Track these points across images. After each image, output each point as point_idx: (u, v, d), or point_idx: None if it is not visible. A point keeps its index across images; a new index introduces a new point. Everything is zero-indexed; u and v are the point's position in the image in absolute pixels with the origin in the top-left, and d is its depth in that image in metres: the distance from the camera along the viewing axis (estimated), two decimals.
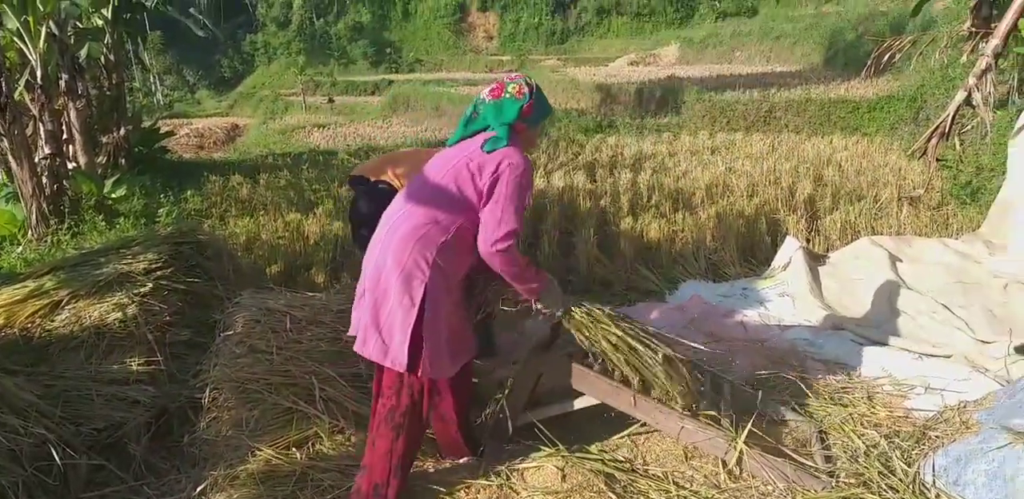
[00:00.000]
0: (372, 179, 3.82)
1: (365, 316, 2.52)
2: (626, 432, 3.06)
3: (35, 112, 6.52)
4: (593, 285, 5.16)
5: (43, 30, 6.50)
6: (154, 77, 37.07)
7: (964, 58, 6.34)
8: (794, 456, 2.89)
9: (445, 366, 2.55)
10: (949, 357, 3.76)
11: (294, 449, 2.91)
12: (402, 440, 2.52)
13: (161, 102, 34.22)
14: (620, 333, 2.80)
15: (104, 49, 8.82)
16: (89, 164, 7.81)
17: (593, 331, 2.79)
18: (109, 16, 8.77)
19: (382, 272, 2.47)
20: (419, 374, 2.46)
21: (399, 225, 2.50)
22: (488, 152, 2.47)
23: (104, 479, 3.04)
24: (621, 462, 2.95)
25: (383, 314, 2.47)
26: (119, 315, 3.51)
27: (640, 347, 2.80)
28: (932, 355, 3.81)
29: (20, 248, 5.82)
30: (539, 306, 2.73)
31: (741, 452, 2.78)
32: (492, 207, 2.45)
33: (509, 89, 2.54)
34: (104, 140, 8.84)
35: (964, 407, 3.21)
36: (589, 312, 2.82)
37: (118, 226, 6.04)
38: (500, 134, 2.50)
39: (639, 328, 2.92)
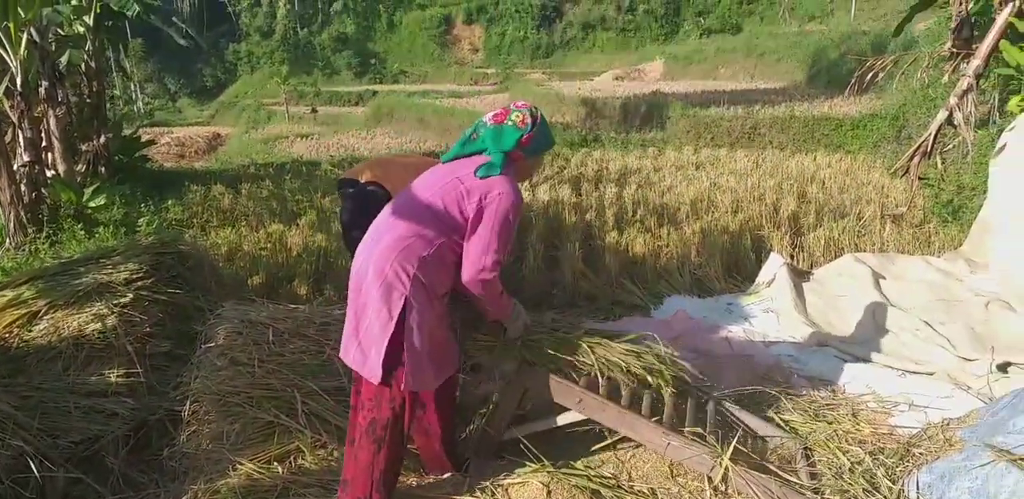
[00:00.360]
0: (361, 180, 3.83)
1: (348, 325, 2.52)
2: (605, 445, 3.03)
3: (14, 119, 6.43)
4: (578, 299, 5.15)
5: (24, 37, 6.43)
6: (135, 85, 36.86)
7: (945, 78, 6.43)
8: (779, 473, 2.89)
9: (427, 379, 2.53)
10: (932, 374, 3.78)
11: (276, 463, 2.86)
12: (384, 453, 2.49)
13: (142, 110, 34.00)
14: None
15: (85, 56, 8.75)
16: (68, 172, 7.71)
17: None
18: (91, 23, 8.70)
19: (363, 282, 2.46)
20: (401, 387, 2.44)
21: (382, 235, 2.49)
22: (481, 178, 2.46)
23: (81, 493, 2.98)
24: (607, 478, 2.92)
25: (363, 325, 2.46)
26: (98, 326, 3.46)
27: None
28: (915, 372, 3.83)
29: None
30: (505, 332, 2.78)
31: (727, 469, 2.76)
32: (479, 236, 2.43)
33: (512, 117, 2.54)
34: (84, 148, 8.74)
35: (947, 424, 3.23)
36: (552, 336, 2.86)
37: (97, 235, 5.95)
38: (495, 161, 2.48)
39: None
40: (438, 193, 2.48)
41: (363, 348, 2.46)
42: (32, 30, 6.79)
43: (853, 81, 6.68)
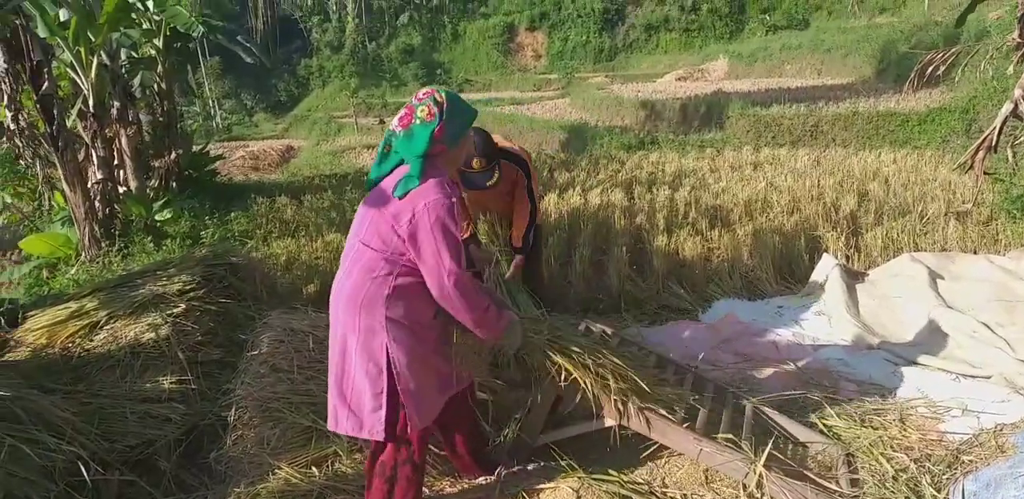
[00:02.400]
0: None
1: (331, 385, 2.45)
2: (639, 450, 3.01)
3: (88, 139, 6.80)
4: (625, 303, 5.12)
5: (95, 60, 6.79)
6: (213, 101, 38.28)
7: (1011, 69, 6.15)
8: (818, 480, 2.83)
9: (434, 409, 2.50)
10: (988, 378, 3.64)
11: (313, 467, 2.95)
12: (398, 489, 2.50)
13: (220, 125, 35.30)
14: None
15: (157, 77, 9.17)
16: (140, 188, 8.10)
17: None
18: (161, 46, 9.13)
19: (339, 336, 2.42)
20: (407, 430, 2.41)
21: (343, 285, 2.42)
22: (400, 197, 2.29)
23: (135, 494, 3.11)
24: (639, 484, 2.92)
25: (347, 385, 2.40)
26: (153, 335, 3.63)
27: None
28: (970, 376, 3.69)
29: (74, 270, 6.05)
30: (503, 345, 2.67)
31: (761, 475, 2.72)
32: (426, 254, 2.28)
33: (418, 113, 2.34)
34: (156, 164, 9.16)
35: (1001, 430, 3.10)
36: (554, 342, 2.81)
37: (165, 247, 6.23)
38: (412, 170, 2.31)
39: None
40: (372, 227, 2.36)
41: (354, 410, 2.39)
42: (103, 54, 7.16)
43: (913, 75, 6.45)
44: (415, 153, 2.32)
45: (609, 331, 3.59)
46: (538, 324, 2.92)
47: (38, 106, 6.13)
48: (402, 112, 2.40)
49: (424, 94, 2.39)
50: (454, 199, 2.33)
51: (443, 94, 2.38)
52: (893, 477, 2.88)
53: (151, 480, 3.16)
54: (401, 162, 2.39)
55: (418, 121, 2.33)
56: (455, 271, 2.28)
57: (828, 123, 12.01)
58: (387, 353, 2.33)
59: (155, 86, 9.43)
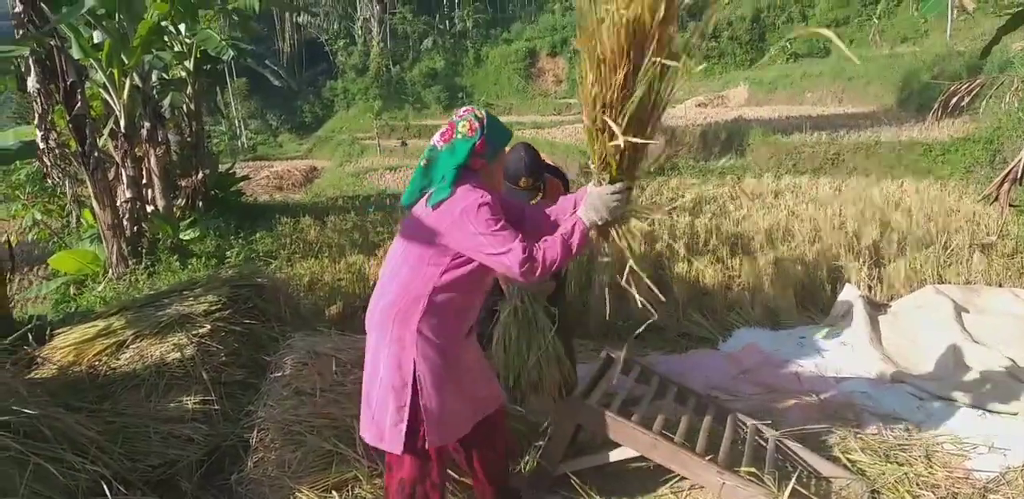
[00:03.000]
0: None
1: (363, 395, 2.51)
2: (662, 482, 2.99)
3: (118, 159, 6.94)
4: (645, 331, 5.10)
5: (127, 82, 6.95)
6: (239, 121, 38.86)
7: None
8: None
9: (455, 430, 2.51)
10: (1015, 415, 3.58)
11: (333, 492, 2.95)
12: None
13: (245, 145, 35.80)
14: None
15: (186, 98, 9.36)
16: (167, 207, 8.23)
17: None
18: (191, 68, 9.32)
19: (372, 347, 2.47)
20: (424, 446, 2.42)
21: (378, 301, 2.47)
22: (434, 207, 2.34)
23: None
24: None
25: (373, 395, 2.45)
26: (178, 355, 3.67)
27: None
28: (998, 412, 3.63)
29: (101, 287, 6.14)
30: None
31: None
32: (486, 255, 2.29)
33: (459, 128, 2.40)
34: (183, 184, 9.31)
35: None
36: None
37: (190, 266, 6.31)
38: (446, 180, 2.36)
39: None
40: (410, 244, 2.42)
41: (376, 420, 2.44)
42: (135, 75, 7.32)
43: (937, 106, 6.45)
44: (454, 164, 2.38)
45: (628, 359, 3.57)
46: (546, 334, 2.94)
47: (70, 125, 6.26)
48: (443, 128, 2.47)
49: (465, 111, 2.47)
50: (489, 197, 2.34)
51: (482, 111, 2.47)
52: None
53: None
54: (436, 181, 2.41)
55: (460, 136, 2.40)
56: (515, 255, 2.23)
57: (850, 152, 11.99)
58: (414, 368, 2.37)
59: (184, 107, 9.62)
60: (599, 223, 2.36)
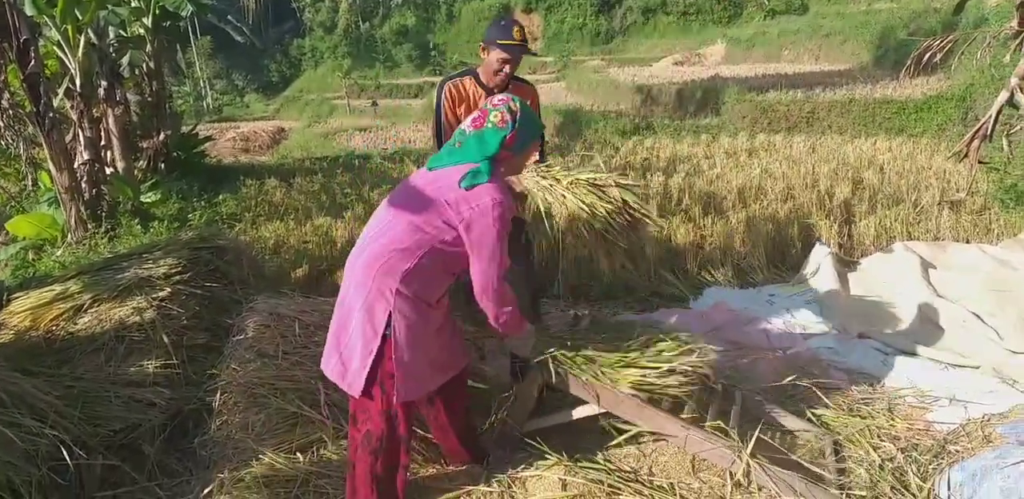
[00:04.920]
0: None
1: (330, 337, 2.51)
2: (628, 438, 3.00)
3: (75, 119, 6.71)
4: (617, 290, 5.09)
5: (82, 39, 6.68)
6: (204, 82, 37.97)
7: (1007, 58, 6.10)
8: (804, 468, 2.82)
9: (423, 385, 2.52)
10: (977, 368, 3.64)
11: (298, 453, 2.93)
12: (382, 462, 2.49)
13: (210, 106, 35.05)
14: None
15: (145, 57, 9.05)
16: (127, 169, 8.01)
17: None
18: (149, 24, 9.00)
19: (346, 297, 2.45)
20: (393, 399, 2.42)
21: (365, 248, 2.46)
22: (467, 188, 2.36)
23: (119, 479, 3.08)
24: (626, 472, 2.90)
25: (344, 336, 2.45)
26: (138, 319, 3.59)
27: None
28: (960, 366, 3.69)
29: (59, 251, 5.99)
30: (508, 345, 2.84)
31: (748, 463, 2.71)
32: (484, 254, 2.38)
33: (491, 118, 2.44)
34: (144, 145, 9.06)
35: (988, 420, 3.10)
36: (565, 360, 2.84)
37: (152, 230, 6.17)
38: (482, 168, 2.39)
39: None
40: (419, 204, 2.41)
41: (343, 360, 2.45)
42: (91, 32, 7.04)
43: (909, 63, 6.40)
44: (485, 155, 2.41)
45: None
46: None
47: (24, 85, 6.02)
48: (475, 114, 2.50)
49: (500, 101, 2.49)
50: (513, 205, 2.44)
51: (517, 103, 2.49)
52: (880, 466, 2.88)
53: (135, 465, 3.13)
54: (468, 161, 2.44)
55: (490, 125, 2.43)
56: (499, 273, 2.42)
57: (824, 109, 11.96)
58: (389, 320, 2.37)
59: (144, 66, 9.32)
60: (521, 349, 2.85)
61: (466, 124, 2.49)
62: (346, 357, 2.45)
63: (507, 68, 3.24)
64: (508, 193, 2.44)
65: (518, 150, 2.50)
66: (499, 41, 3.14)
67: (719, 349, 4.07)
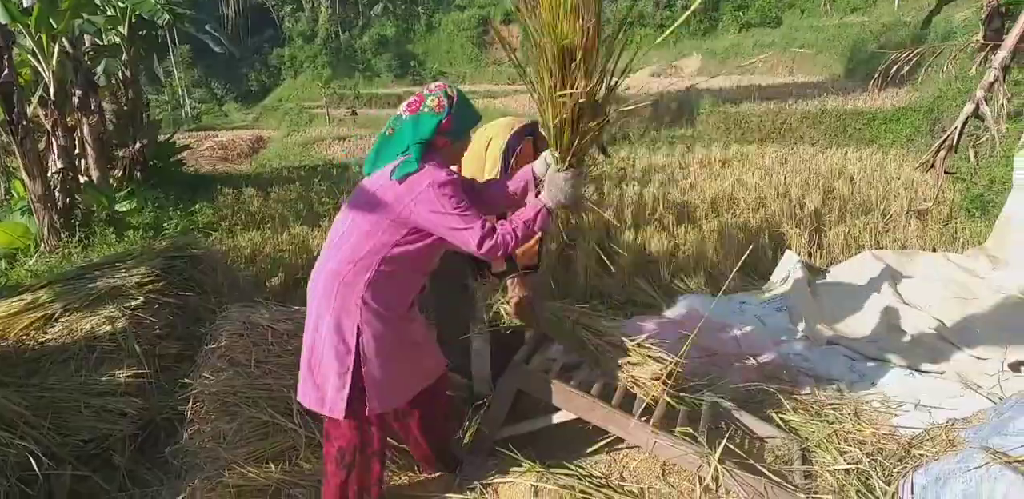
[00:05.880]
0: None
1: (302, 360, 2.48)
2: (600, 445, 3.03)
3: (48, 127, 6.67)
4: (591, 298, 5.14)
5: (57, 47, 6.66)
6: (182, 90, 37.69)
7: (973, 70, 6.25)
8: (772, 473, 2.86)
9: (396, 397, 2.51)
10: (943, 374, 3.70)
11: (270, 463, 2.92)
12: (356, 476, 2.49)
13: (189, 114, 34.79)
14: None
15: (121, 65, 9.00)
16: (102, 178, 7.96)
17: None
18: (125, 33, 8.97)
19: (313, 315, 2.43)
20: (365, 412, 2.41)
21: (324, 264, 2.43)
22: (400, 180, 2.32)
23: (89, 490, 3.06)
24: (597, 478, 2.93)
25: (315, 359, 2.43)
26: (109, 328, 3.58)
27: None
28: (925, 372, 3.75)
29: (32, 260, 5.94)
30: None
31: (716, 468, 2.75)
32: (445, 231, 2.33)
33: (428, 102, 2.38)
34: (120, 154, 9.01)
35: (952, 425, 3.16)
36: None
37: (127, 239, 6.14)
38: (413, 155, 2.34)
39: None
40: (362, 212, 2.39)
41: (318, 385, 2.42)
42: (65, 41, 7.01)
43: (877, 75, 6.54)
44: (419, 138, 2.35)
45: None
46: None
47: None
48: (411, 99, 2.44)
49: (436, 86, 2.44)
50: (455, 176, 2.37)
51: (454, 89, 2.44)
52: (846, 471, 2.92)
53: (105, 475, 3.12)
54: (404, 150, 2.38)
55: (427, 109, 2.37)
56: (476, 232, 2.30)
57: (797, 120, 12.15)
58: (357, 334, 2.35)
59: (119, 74, 9.27)
60: (562, 206, 2.43)
61: (402, 108, 2.44)
62: (320, 381, 2.42)
63: None
64: (445, 168, 2.38)
65: (454, 137, 2.44)
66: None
67: (691, 356, 4.17)
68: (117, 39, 9.20)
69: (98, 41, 9.04)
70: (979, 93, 5.85)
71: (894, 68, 6.56)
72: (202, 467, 2.94)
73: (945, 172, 6.23)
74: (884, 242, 5.64)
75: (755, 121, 12.51)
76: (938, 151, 6.20)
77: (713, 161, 9.88)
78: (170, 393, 3.51)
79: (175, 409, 3.36)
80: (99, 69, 8.63)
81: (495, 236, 2.33)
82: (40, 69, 6.69)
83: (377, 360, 2.38)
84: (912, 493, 2.73)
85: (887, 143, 10.87)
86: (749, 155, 10.22)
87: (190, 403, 3.15)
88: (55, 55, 6.67)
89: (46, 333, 3.62)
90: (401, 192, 2.32)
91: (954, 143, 6.10)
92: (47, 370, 3.45)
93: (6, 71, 5.93)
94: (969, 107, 5.94)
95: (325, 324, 2.38)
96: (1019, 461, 2.57)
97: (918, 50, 6.58)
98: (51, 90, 6.68)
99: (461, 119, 2.42)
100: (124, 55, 9.12)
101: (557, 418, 3.01)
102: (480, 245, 2.30)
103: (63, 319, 3.68)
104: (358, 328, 2.35)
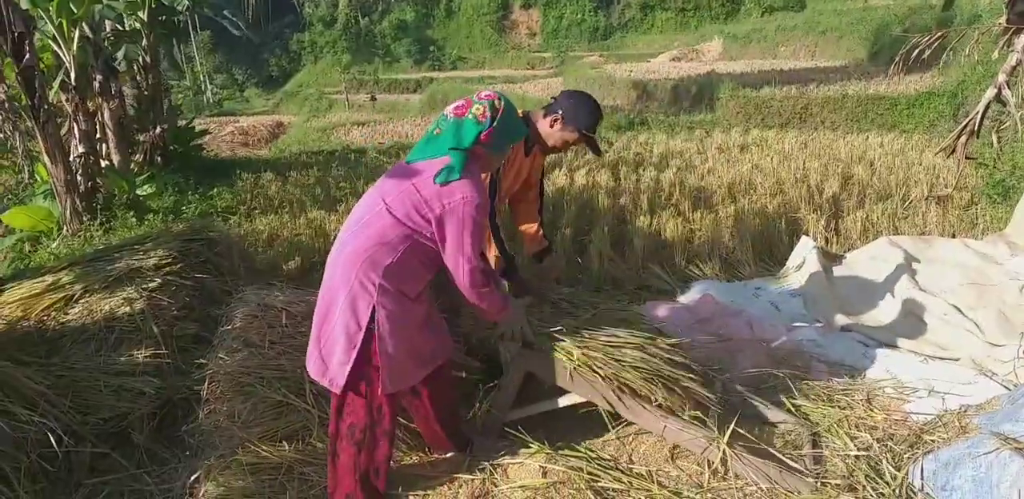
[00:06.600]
0: None
1: (313, 332, 2.52)
2: (609, 428, 3.05)
3: (69, 112, 6.74)
4: (604, 284, 5.14)
5: (77, 32, 6.71)
6: (204, 76, 37.88)
7: (995, 54, 6.13)
8: (782, 457, 2.87)
9: (408, 377, 2.55)
10: (957, 360, 3.68)
11: (284, 441, 2.98)
12: (365, 454, 2.53)
13: (211, 100, 34.99)
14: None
15: (141, 51, 9.06)
16: (123, 162, 8.04)
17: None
18: (145, 18, 9.01)
19: (328, 291, 2.46)
20: (378, 391, 2.45)
21: (349, 241, 2.46)
22: (440, 184, 2.36)
23: (108, 467, 3.14)
24: (605, 460, 2.95)
25: (324, 331, 2.46)
26: (128, 309, 3.64)
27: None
28: (939, 358, 3.73)
29: (55, 243, 6.03)
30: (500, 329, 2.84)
31: (724, 452, 2.76)
32: (452, 246, 2.40)
33: (473, 110, 2.42)
34: (140, 139, 9.09)
35: (965, 411, 3.16)
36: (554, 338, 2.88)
37: (147, 222, 6.21)
38: (454, 163, 2.37)
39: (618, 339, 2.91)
40: (397, 199, 2.41)
41: (323, 356, 2.46)
42: (85, 26, 7.07)
43: (898, 59, 6.44)
44: (460, 145, 2.40)
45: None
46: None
47: (19, 78, 6.05)
48: (460, 102, 2.48)
49: (486, 96, 2.47)
50: (487, 202, 2.45)
51: (503, 102, 2.47)
52: (856, 456, 2.92)
53: (124, 453, 3.19)
54: (445, 153, 2.43)
55: (471, 117, 2.42)
56: (473, 262, 2.42)
57: (818, 105, 12.01)
58: (372, 314, 2.39)
59: (140, 59, 9.33)
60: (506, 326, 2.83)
61: (448, 110, 2.47)
62: (326, 353, 2.46)
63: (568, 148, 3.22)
64: (484, 190, 2.45)
65: (493, 149, 2.49)
66: (586, 131, 3.04)
67: (704, 340, 4.18)
68: (137, 24, 9.23)
69: (118, 26, 9.09)
70: (1001, 77, 5.76)
71: (915, 52, 6.47)
72: (217, 446, 3.00)
73: (967, 157, 6.17)
74: (903, 228, 5.59)
75: (775, 106, 12.38)
76: (959, 136, 6.14)
77: (732, 146, 9.80)
78: (187, 373, 3.57)
79: (192, 389, 3.42)
80: (119, 54, 8.70)
81: (485, 282, 2.49)
82: (61, 54, 6.76)
83: (391, 340, 2.42)
84: (922, 478, 2.74)
85: (909, 128, 10.72)
86: (768, 140, 10.13)
87: (206, 383, 3.20)
88: (76, 40, 6.72)
89: (66, 314, 3.69)
90: (439, 193, 2.37)
91: (975, 128, 6.03)
92: (67, 350, 3.51)
93: (28, 56, 5.99)
94: (991, 92, 5.86)
95: (341, 299, 2.41)
96: None
97: (940, 34, 6.48)
98: (72, 75, 6.75)
99: (502, 134, 2.46)
100: (144, 40, 9.16)
101: (565, 401, 3.03)
102: (471, 279, 2.44)
103: (83, 300, 3.74)
104: (373, 308, 2.38)
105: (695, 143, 10.34)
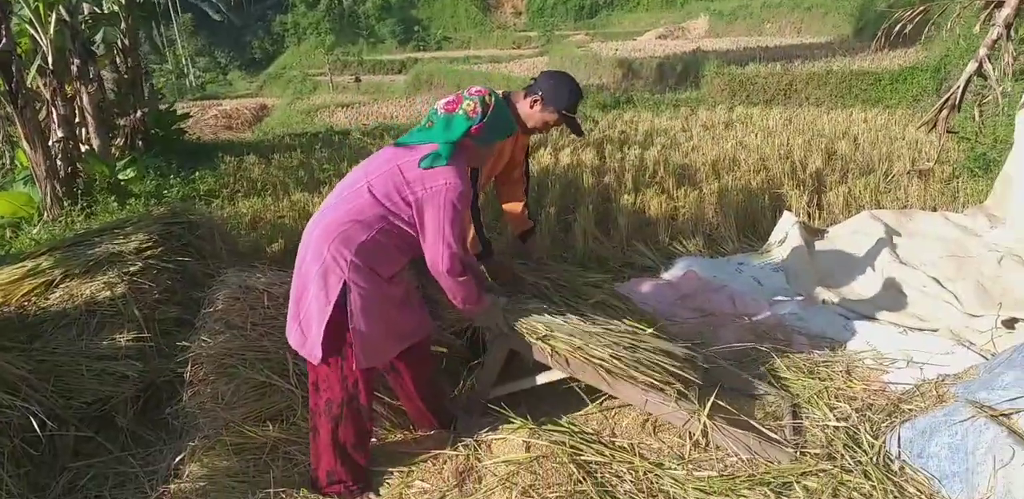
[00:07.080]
0: None
1: (291, 304, 2.54)
2: (592, 403, 3.07)
3: (47, 96, 6.67)
4: (589, 261, 5.16)
5: (54, 16, 6.62)
6: (186, 59, 37.45)
7: (977, 28, 6.13)
8: (761, 428, 2.90)
9: (383, 353, 2.57)
10: (936, 331, 3.73)
11: (268, 422, 2.99)
12: (343, 428, 2.55)
13: (194, 84, 34.63)
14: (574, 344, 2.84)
15: (119, 34, 8.94)
16: (103, 147, 7.97)
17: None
18: (123, 1, 8.89)
19: (304, 261, 2.48)
20: (352, 366, 2.48)
21: (325, 215, 2.48)
22: (425, 168, 2.40)
23: (92, 450, 3.13)
24: (588, 434, 2.98)
25: (302, 304, 2.48)
26: (109, 293, 3.62)
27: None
28: (918, 329, 3.78)
29: (36, 229, 5.99)
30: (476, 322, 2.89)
31: (705, 424, 2.79)
32: (431, 230, 2.42)
33: (464, 105, 2.46)
34: (121, 123, 9.00)
35: (942, 381, 3.20)
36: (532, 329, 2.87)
37: (129, 207, 6.17)
38: (442, 151, 2.41)
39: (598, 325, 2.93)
40: (383, 177, 2.44)
41: (302, 328, 2.49)
42: (62, 9, 6.97)
43: (880, 34, 6.44)
44: (448, 139, 2.43)
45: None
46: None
47: None
48: (451, 97, 2.52)
49: (476, 91, 2.51)
50: (470, 191, 2.48)
51: (494, 99, 2.51)
52: (835, 426, 2.96)
53: (108, 436, 3.19)
54: (433, 141, 2.47)
55: (461, 112, 2.45)
56: (453, 248, 2.43)
57: (802, 82, 12.00)
58: (343, 289, 2.40)
59: (118, 42, 9.21)
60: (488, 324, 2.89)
61: (439, 104, 2.50)
62: (305, 325, 2.48)
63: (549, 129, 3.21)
64: (467, 178, 2.48)
65: (482, 143, 2.52)
66: (566, 112, 2.99)
67: (687, 316, 4.21)
68: (115, 7, 9.10)
69: (96, 9, 8.96)
70: (982, 51, 5.78)
71: (898, 26, 6.46)
72: (202, 427, 3.00)
73: (947, 131, 6.19)
74: (885, 202, 5.62)
75: (760, 83, 12.37)
76: (940, 110, 6.16)
77: (717, 123, 9.79)
78: (170, 356, 3.55)
79: (175, 372, 3.41)
80: (97, 37, 8.60)
81: (463, 271, 2.49)
82: (38, 38, 6.66)
83: (363, 316, 2.43)
84: (899, 446, 2.78)
85: (893, 104, 10.74)
86: (753, 117, 10.13)
87: (189, 366, 3.20)
88: (53, 24, 6.64)
89: (47, 299, 3.67)
90: (422, 177, 2.40)
91: (956, 102, 6.05)
92: (49, 335, 3.50)
93: (4, 41, 5.90)
94: (972, 66, 5.88)
95: (314, 272, 2.43)
96: (1005, 414, 2.61)
97: (922, 8, 6.47)
98: (49, 59, 6.66)
99: (492, 128, 2.49)
100: (123, 23, 9.05)
101: (548, 377, 3.04)
102: (450, 265, 2.44)
103: (63, 285, 3.72)
104: (344, 284, 2.40)
105: (680, 121, 10.33)
